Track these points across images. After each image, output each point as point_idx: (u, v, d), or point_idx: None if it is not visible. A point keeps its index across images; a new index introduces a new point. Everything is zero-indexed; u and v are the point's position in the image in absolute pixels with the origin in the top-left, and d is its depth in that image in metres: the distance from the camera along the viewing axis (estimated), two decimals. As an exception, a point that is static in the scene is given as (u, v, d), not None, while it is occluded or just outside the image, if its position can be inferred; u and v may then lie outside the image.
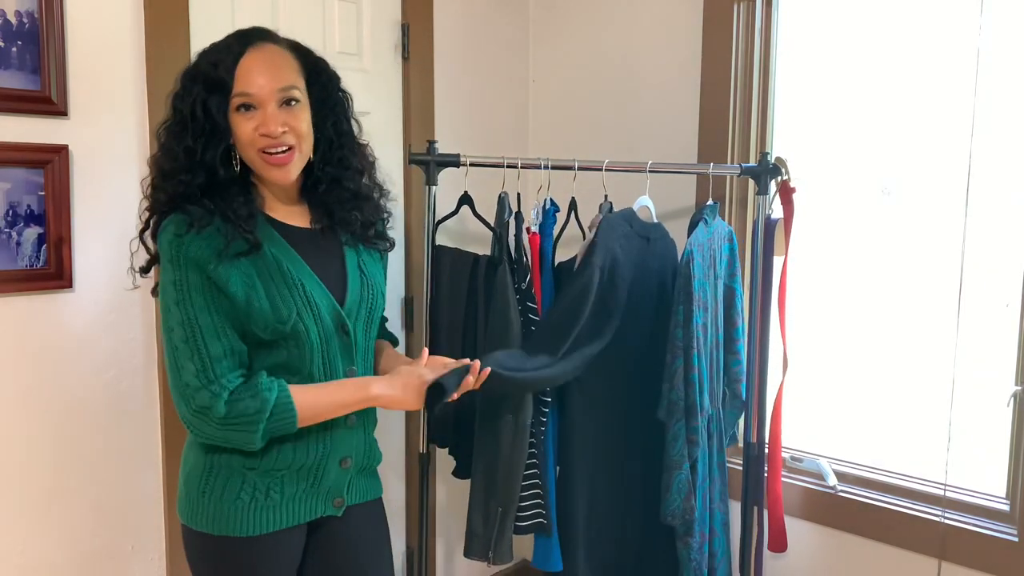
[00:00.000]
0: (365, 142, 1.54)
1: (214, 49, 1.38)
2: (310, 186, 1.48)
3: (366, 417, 1.53)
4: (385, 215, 1.59)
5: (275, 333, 1.38)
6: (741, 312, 2.06)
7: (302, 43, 1.46)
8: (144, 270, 1.44)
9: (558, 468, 1.95)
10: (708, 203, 1.99)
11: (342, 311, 1.45)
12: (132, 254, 1.48)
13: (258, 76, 1.34)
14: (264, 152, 1.36)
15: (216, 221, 1.34)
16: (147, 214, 1.40)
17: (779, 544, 2.10)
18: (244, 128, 1.35)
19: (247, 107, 1.35)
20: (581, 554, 1.95)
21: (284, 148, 1.37)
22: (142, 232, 1.43)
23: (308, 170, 1.46)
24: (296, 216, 1.48)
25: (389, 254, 1.63)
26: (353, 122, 1.51)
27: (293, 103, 1.38)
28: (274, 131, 1.35)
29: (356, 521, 1.55)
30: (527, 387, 1.78)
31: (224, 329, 1.34)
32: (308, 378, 1.42)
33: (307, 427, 1.41)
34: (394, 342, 1.72)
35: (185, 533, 1.47)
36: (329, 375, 1.44)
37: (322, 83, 1.46)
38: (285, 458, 1.42)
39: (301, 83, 1.41)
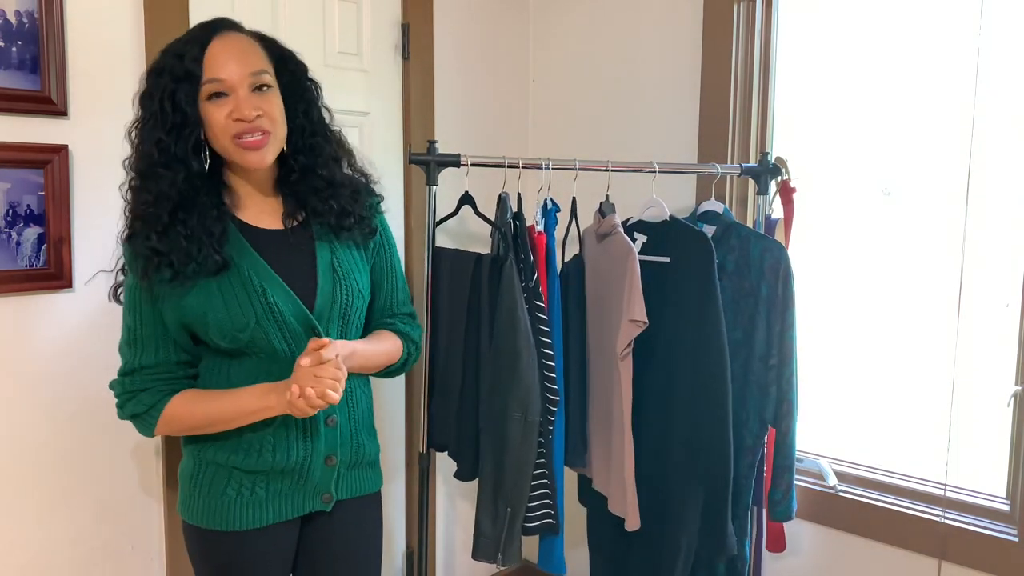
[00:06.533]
0: (337, 128, 1.51)
1: (177, 42, 1.34)
2: (283, 177, 1.45)
3: (353, 413, 1.51)
4: (375, 199, 1.55)
5: (234, 341, 1.36)
6: None
7: (267, 34, 1.43)
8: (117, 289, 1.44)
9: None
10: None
11: (311, 314, 1.40)
12: (117, 260, 1.43)
13: (227, 62, 1.32)
14: (238, 138, 1.33)
15: (181, 247, 1.32)
16: (129, 216, 1.36)
17: (777, 544, 2.10)
18: (216, 116, 1.32)
19: (219, 94, 1.32)
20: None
21: (259, 133, 1.33)
22: (125, 237, 1.38)
23: (282, 161, 1.44)
24: (267, 215, 1.45)
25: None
26: (324, 110, 1.48)
27: (265, 88, 1.35)
28: (248, 115, 1.31)
29: (347, 516, 1.54)
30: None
31: (164, 342, 1.39)
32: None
33: (285, 431, 1.42)
34: (402, 334, 1.60)
35: (183, 527, 1.51)
36: None
37: (290, 70, 1.43)
38: (266, 461, 1.42)
39: (271, 70, 1.38)
